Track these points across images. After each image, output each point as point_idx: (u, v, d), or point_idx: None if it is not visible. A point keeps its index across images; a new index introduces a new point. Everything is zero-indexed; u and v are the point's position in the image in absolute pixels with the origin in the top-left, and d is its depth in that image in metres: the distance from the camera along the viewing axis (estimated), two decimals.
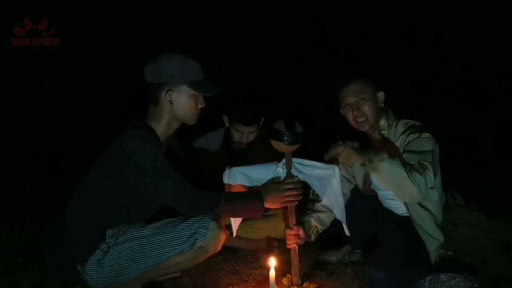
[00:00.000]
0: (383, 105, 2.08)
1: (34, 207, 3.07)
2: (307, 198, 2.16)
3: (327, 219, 2.13)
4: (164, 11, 5.98)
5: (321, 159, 2.10)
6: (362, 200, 2.20)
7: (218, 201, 1.82)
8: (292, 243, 2.01)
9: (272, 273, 1.87)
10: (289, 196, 1.93)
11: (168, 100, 1.86)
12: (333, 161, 2.18)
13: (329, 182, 2.03)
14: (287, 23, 6.06)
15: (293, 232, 2.00)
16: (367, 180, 2.20)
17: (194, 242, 1.75)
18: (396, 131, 2.04)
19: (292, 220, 2.01)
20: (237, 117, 2.54)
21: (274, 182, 1.97)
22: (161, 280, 2.09)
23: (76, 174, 1.98)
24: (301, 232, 2.02)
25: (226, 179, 2.01)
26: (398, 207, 2.13)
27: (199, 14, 6.01)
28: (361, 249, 2.33)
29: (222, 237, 1.83)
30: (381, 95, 2.07)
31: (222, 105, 2.63)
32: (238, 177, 2.00)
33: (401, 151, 1.98)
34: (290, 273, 2.05)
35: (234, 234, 2.11)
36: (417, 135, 1.95)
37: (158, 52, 1.90)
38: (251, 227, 2.48)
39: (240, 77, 5.25)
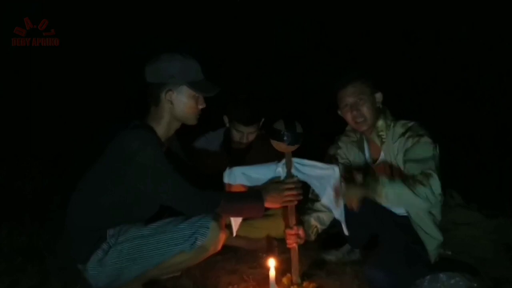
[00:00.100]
0: (381, 106, 2.09)
1: (34, 207, 3.07)
2: (306, 198, 2.15)
3: (326, 218, 2.14)
4: (164, 11, 5.98)
5: (321, 159, 2.11)
6: (361, 200, 2.19)
7: (218, 201, 1.82)
8: (292, 243, 2.02)
9: (272, 273, 1.88)
10: (289, 196, 1.94)
11: (168, 100, 1.86)
12: (332, 161, 2.19)
13: (329, 182, 2.03)
14: (287, 23, 6.05)
15: (293, 232, 2.00)
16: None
17: (195, 242, 1.75)
18: (394, 132, 2.05)
19: (292, 219, 2.01)
20: (237, 117, 2.54)
21: (274, 182, 1.97)
22: (162, 280, 2.09)
23: (76, 174, 1.98)
24: (301, 232, 2.02)
25: (226, 179, 2.01)
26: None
27: (199, 14, 6.00)
28: (360, 248, 2.34)
29: (222, 236, 1.83)
30: (379, 96, 2.08)
31: (222, 105, 2.63)
32: (238, 177, 2.00)
33: (401, 155, 1.99)
34: (290, 273, 2.05)
35: (234, 233, 2.11)
36: (416, 139, 1.96)
37: (158, 52, 1.90)
38: (251, 226, 2.48)
39: (240, 77, 5.25)
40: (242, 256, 2.41)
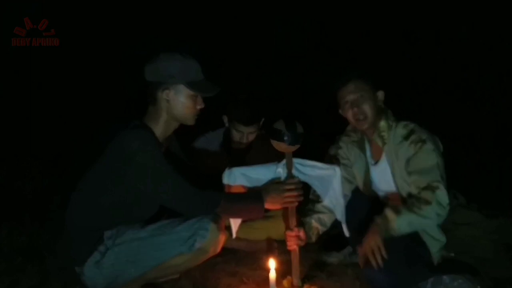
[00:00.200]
0: (382, 105, 2.09)
1: (34, 207, 3.07)
2: (307, 198, 2.15)
3: (327, 220, 2.13)
4: (164, 11, 5.97)
5: (321, 159, 2.10)
6: (363, 200, 2.19)
7: (218, 201, 1.82)
8: (292, 245, 2.01)
9: (272, 275, 1.87)
10: (289, 196, 1.93)
11: (165, 98, 1.84)
12: (333, 161, 2.19)
13: (330, 183, 2.02)
14: (287, 23, 6.05)
15: (293, 233, 2.00)
16: (367, 180, 2.20)
17: (194, 244, 1.75)
18: (396, 133, 2.04)
19: (293, 221, 2.01)
20: (237, 117, 2.54)
21: (274, 183, 1.97)
22: (160, 282, 2.09)
23: (76, 174, 1.98)
24: (301, 233, 2.01)
25: (226, 180, 2.01)
26: None
27: (199, 14, 6.00)
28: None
29: (222, 238, 1.83)
30: (380, 94, 2.07)
31: (222, 105, 2.63)
32: (238, 178, 2.00)
33: (403, 161, 2.00)
34: (291, 275, 2.04)
35: (234, 235, 2.10)
36: (418, 146, 1.96)
37: (158, 52, 1.90)
38: (251, 228, 2.48)
39: (240, 77, 5.25)
40: (242, 258, 2.40)
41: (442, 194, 1.89)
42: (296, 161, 1.98)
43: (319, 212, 2.12)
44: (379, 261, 1.78)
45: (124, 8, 5.69)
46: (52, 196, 3.15)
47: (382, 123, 2.06)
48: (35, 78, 5.06)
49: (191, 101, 1.87)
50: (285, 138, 1.91)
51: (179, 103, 1.86)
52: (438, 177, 1.93)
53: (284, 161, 1.98)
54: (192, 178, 1.85)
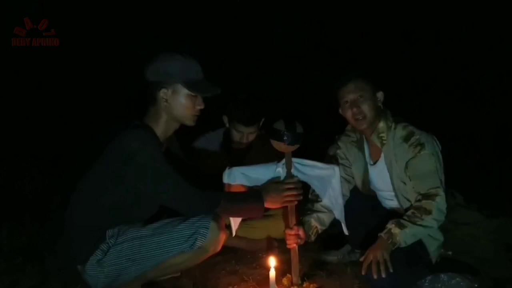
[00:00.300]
0: (381, 106, 2.09)
1: (34, 207, 3.07)
2: (306, 198, 2.15)
3: (327, 219, 2.13)
4: (164, 11, 5.98)
5: (321, 159, 2.11)
6: (361, 200, 2.20)
7: (218, 201, 1.82)
8: (292, 243, 2.01)
9: (272, 273, 1.88)
10: (289, 196, 1.93)
11: (163, 98, 1.84)
12: (332, 161, 2.19)
13: (329, 182, 2.03)
14: (287, 23, 6.05)
15: (293, 232, 2.00)
16: (366, 180, 2.20)
17: (194, 242, 1.75)
18: (395, 135, 2.05)
19: (292, 220, 2.01)
20: (237, 118, 2.54)
21: (274, 182, 1.97)
22: (161, 280, 2.09)
23: (76, 174, 1.97)
24: (301, 232, 2.02)
25: (226, 179, 2.01)
26: (397, 207, 2.13)
27: (199, 14, 6.00)
28: (361, 248, 2.33)
29: (222, 237, 1.83)
30: (380, 95, 2.07)
31: (222, 105, 2.63)
32: (238, 177, 2.00)
33: (402, 163, 2.02)
34: (290, 273, 2.05)
35: (234, 233, 2.10)
36: (417, 149, 1.97)
37: (158, 52, 1.90)
38: (251, 227, 2.48)
39: (240, 77, 5.25)
40: (242, 257, 2.40)
41: (441, 200, 1.94)
42: (296, 160, 1.98)
43: (318, 211, 2.12)
44: (383, 273, 1.80)
45: (124, 8, 5.70)
46: (52, 196, 3.15)
47: (381, 124, 2.06)
48: (35, 78, 5.06)
49: (190, 101, 1.86)
50: (285, 138, 1.90)
51: (178, 103, 1.85)
52: (437, 182, 1.96)
53: (283, 161, 1.98)
54: (192, 178, 1.85)
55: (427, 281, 1.91)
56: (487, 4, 5.29)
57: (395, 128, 2.06)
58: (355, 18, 5.91)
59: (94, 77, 5.20)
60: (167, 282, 2.11)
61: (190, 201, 1.81)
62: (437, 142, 2.04)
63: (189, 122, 1.90)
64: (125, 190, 1.80)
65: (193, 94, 1.85)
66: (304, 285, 2.02)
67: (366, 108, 2.02)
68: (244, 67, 5.59)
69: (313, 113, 4.42)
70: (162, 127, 1.88)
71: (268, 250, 2.42)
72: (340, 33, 5.84)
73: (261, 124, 2.63)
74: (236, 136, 2.59)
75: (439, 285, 1.88)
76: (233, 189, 2.01)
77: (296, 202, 1.98)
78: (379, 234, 1.91)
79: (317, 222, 2.10)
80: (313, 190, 2.13)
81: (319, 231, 2.13)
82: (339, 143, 2.25)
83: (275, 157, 2.02)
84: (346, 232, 2.11)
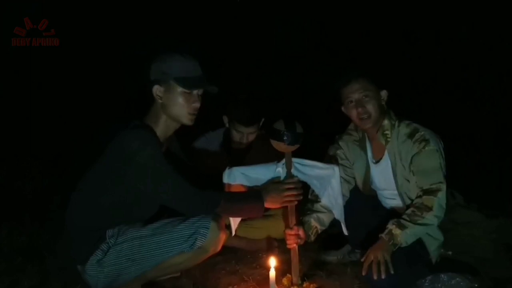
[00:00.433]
0: (384, 103, 2.09)
1: (34, 207, 3.07)
2: (306, 198, 2.15)
3: (326, 219, 2.13)
4: (164, 11, 5.98)
5: (321, 159, 2.10)
6: (362, 199, 2.20)
7: (218, 201, 1.82)
8: (292, 243, 2.01)
9: (272, 273, 1.88)
10: (289, 196, 1.93)
11: (158, 95, 1.83)
12: (332, 161, 2.19)
13: (329, 182, 2.03)
14: (287, 23, 6.06)
15: (293, 232, 2.00)
16: (367, 179, 2.20)
17: (194, 242, 1.75)
18: (399, 132, 2.05)
19: (292, 220, 2.01)
20: (237, 118, 2.54)
21: (274, 182, 1.97)
22: (161, 280, 2.09)
23: (76, 174, 1.97)
24: (301, 232, 2.02)
25: (226, 179, 2.01)
26: (398, 207, 2.13)
27: (199, 14, 6.01)
28: (361, 248, 2.33)
29: (222, 237, 1.83)
30: (384, 94, 2.08)
31: (222, 105, 2.63)
32: (238, 177, 2.00)
33: (407, 158, 2.02)
34: (290, 273, 2.05)
35: (233, 233, 2.11)
36: (422, 145, 1.98)
37: (158, 52, 1.90)
38: (251, 227, 2.48)
39: (240, 77, 5.25)
40: (242, 257, 2.40)
41: (443, 196, 1.94)
42: (296, 160, 1.98)
43: (318, 211, 2.12)
44: (383, 274, 1.80)
45: (124, 8, 5.70)
46: (52, 196, 3.15)
47: (386, 122, 2.07)
48: (35, 78, 5.06)
49: (183, 98, 1.84)
50: (285, 138, 1.90)
51: (172, 100, 1.84)
52: (441, 177, 1.96)
53: (283, 161, 1.98)
54: (192, 178, 1.85)
55: (427, 281, 1.91)
56: (487, 4, 5.29)
57: (398, 126, 2.07)
58: (355, 18, 5.91)
59: (94, 77, 5.20)
60: (167, 282, 2.11)
61: (190, 201, 1.81)
62: (441, 140, 2.05)
63: (186, 120, 1.88)
64: (125, 190, 1.80)
65: (186, 90, 1.83)
66: (304, 285, 2.02)
67: (371, 107, 2.02)
68: (244, 67, 5.59)
69: (313, 113, 4.42)
70: (161, 127, 1.88)
71: (268, 250, 2.42)
72: (340, 33, 5.84)
73: (261, 124, 2.63)
74: (236, 136, 2.59)
75: (439, 285, 1.89)
76: (233, 189, 2.01)
77: (296, 202, 1.98)
78: (380, 235, 1.91)
79: (317, 222, 2.10)
80: (313, 190, 2.13)
81: (319, 231, 2.13)
82: (340, 143, 2.25)
83: (275, 157, 2.02)
84: (345, 232, 2.11)
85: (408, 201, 2.05)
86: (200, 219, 1.78)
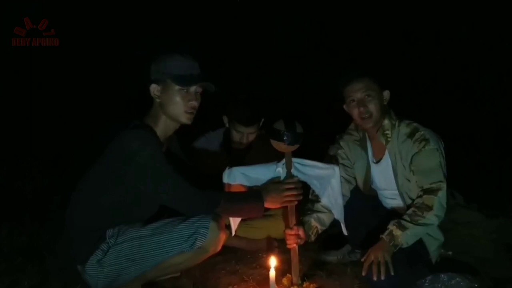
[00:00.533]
0: (386, 104, 2.09)
1: (34, 207, 3.07)
2: (307, 198, 2.15)
3: (327, 219, 2.13)
4: (164, 11, 5.98)
5: (321, 159, 2.10)
6: (362, 199, 2.20)
7: (218, 201, 1.82)
8: (292, 243, 2.01)
9: (272, 273, 1.88)
10: (289, 196, 1.93)
11: (155, 94, 1.85)
12: (333, 161, 2.19)
13: (329, 182, 2.03)
14: (287, 23, 6.06)
15: (293, 232, 2.00)
16: (367, 179, 2.20)
17: (194, 242, 1.75)
18: (399, 132, 2.06)
19: (292, 220, 2.01)
20: (237, 118, 2.54)
21: (274, 182, 1.97)
22: (161, 280, 2.09)
23: (76, 174, 1.97)
24: (301, 232, 2.02)
25: (225, 179, 2.01)
26: (398, 207, 2.13)
27: (199, 14, 6.00)
28: (361, 249, 2.33)
29: (222, 237, 1.83)
30: (386, 93, 2.08)
31: (222, 105, 2.63)
32: (238, 177, 2.00)
33: (407, 158, 2.02)
34: (290, 273, 2.05)
35: (233, 233, 2.11)
36: (422, 144, 1.98)
37: (158, 52, 1.91)
38: (251, 227, 2.48)
39: (240, 77, 5.25)
40: (242, 257, 2.40)
41: (443, 195, 1.94)
42: (296, 160, 1.98)
43: (318, 211, 2.12)
44: (383, 275, 1.80)
45: (124, 8, 5.70)
46: (52, 196, 3.15)
47: (386, 122, 2.07)
48: (35, 78, 5.06)
49: (179, 97, 1.84)
50: (285, 138, 1.90)
51: (168, 99, 1.84)
52: (441, 177, 1.96)
53: (283, 161, 1.98)
54: (192, 178, 1.84)
55: (427, 281, 1.91)
56: (487, 4, 5.29)
57: (399, 126, 2.07)
58: (355, 18, 5.91)
59: (94, 77, 5.20)
60: (167, 282, 2.11)
61: (190, 201, 1.80)
62: (441, 140, 2.05)
63: (184, 119, 1.87)
64: (125, 190, 1.80)
65: (182, 88, 1.83)
66: (304, 285, 2.02)
67: (372, 107, 2.03)
68: (244, 67, 5.59)
69: (313, 113, 4.42)
70: (161, 127, 1.88)
71: (268, 250, 2.42)
72: (340, 33, 5.84)
73: (261, 124, 2.63)
74: (236, 136, 2.59)
75: (439, 285, 1.88)
76: (233, 189, 2.01)
77: (296, 202, 1.98)
78: (380, 236, 1.91)
79: (317, 222, 2.10)
80: (313, 191, 2.13)
81: (319, 231, 2.13)
82: (341, 143, 2.25)
83: (275, 157, 2.02)
84: (345, 232, 2.11)
85: (409, 201, 2.05)
86: (200, 219, 1.78)
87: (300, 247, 2.05)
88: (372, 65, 4.65)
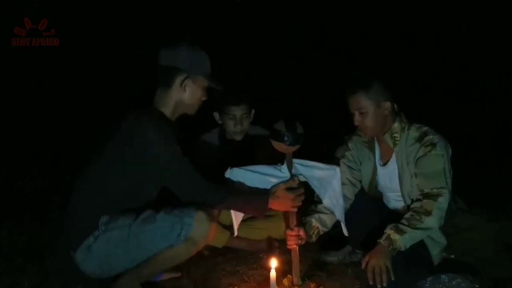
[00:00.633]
0: (392, 112, 2.07)
1: (34, 207, 3.07)
2: (308, 199, 2.15)
3: (328, 221, 2.13)
4: (164, 11, 5.97)
5: (321, 159, 2.10)
6: (366, 201, 2.20)
7: (224, 196, 1.85)
8: (292, 244, 2.01)
9: (273, 274, 1.87)
10: (296, 203, 1.94)
11: (184, 85, 1.89)
12: (335, 162, 2.18)
13: (330, 183, 2.02)
14: (287, 23, 6.05)
15: (293, 233, 2.00)
16: (374, 181, 2.20)
17: (180, 232, 1.75)
18: (408, 136, 2.05)
19: (293, 221, 2.01)
20: (225, 101, 2.54)
21: (282, 188, 1.93)
22: (161, 281, 2.09)
23: (76, 174, 1.97)
24: (301, 233, 2.02)
25: (227, 176, 2.01)
26: (403, 209, 2.12)
27: (199, 14, 6.00)
28: (362, 249, 2.33)
29: (212, 227, 1.81)
30: (386, 105, 2.05)
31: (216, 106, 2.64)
32: (239, 176, 1.99)
33: (413, 163, 2.02)
34: (291, 274, 2.04)
35: (235, 233, 2.10)
36: (428, 149, 1.98)
37: (158, 52, 1.92)
38: (252, 227, 2.48)
39: (240, 77, 5.24)
40: (243, 257, 2.40)
41: (444, 201, 1.92)
42: (296, 161, 1.98)
43: (320, 212, 2.12)
44: (384, 282, 1.81)
45: (124, 8, 5.69)
46: (52, 196, 3.14)
47: (396, 125, 2.07)
48: (35, 78, 5.05)
49: (201, 92, 1.95)
50: (285, 138, 1.90)
51: (192, 92, 1.92)
52: (443, 183, 1.95)
53: (285, 162, 1.97)
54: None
55: (427, 282, 1.91)
56: (487, 4, 5.29)
57: (408, 129, 2.07)
58: (355, 18, 5.91)
59: (94, 77, 5.20)
60: (168, 282, 2.11)
61: (198, 190, 1.82)
62: (449, 147, 2.04)
63: (193, 112, 1.99)
64: (131, 180, 1.82)
65: (207, 86, 1.93)
66: (305, 285, 2.02)
67: (368, 122, 2.04)
68: (244, 67, 5.58)
69: (313, 113, 4.41)
70: (170, 111, 1.93)
71: (269, 251, 2.42)
72: (340, 33, 5.84)
73: (252, 116, 2.62)
74: (230, 125, 2.57)
75: (440, 286, 1.88)
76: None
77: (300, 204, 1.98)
78: (378, 240, 1.90)
79: (318, 223, 2.10)
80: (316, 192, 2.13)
81: (321, 232, 2.12)
82: (349, 144, 2.24)
83: (275, 158, 2.01)
84: (345, 233, 2.10)
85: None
86: (186, 209, 1.78)
87: (301, 247, 2.05)
88: (371, 65, 4.67)
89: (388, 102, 2.05)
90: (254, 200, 1.92)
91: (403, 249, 1.89)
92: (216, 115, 2.64)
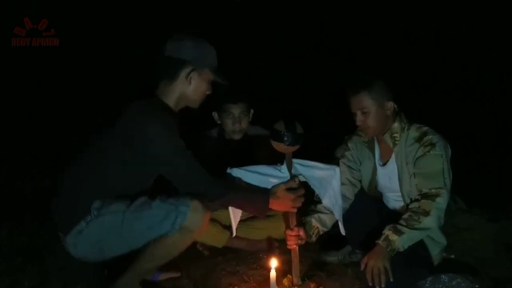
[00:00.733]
0: (392, 111, 2.07)
1: (34, 207, 3.07)
2: (308, 199, 2.15)
3: (328, 221, 2.13)
4: (164, 11, 5.97)
5: (321, 159, 2.10)
6: (366, 201, 2.20)
7: (223, 191, 1.84)
8: (292, 244, 2.01)
9: (273, 274, 1.88)
10: (296, 203, 1.94)
11: (190, 78, 1.87)
12: (335, 162, 2.18)
13: (329, 183, 2.02)
14: (287, 23, 6.05)
15: (293, 233, 2.00)
16: (373, 181, 2.20)
17: (175, 221, 1.73)
18: (408, 136, 2.05)
19: (293, 221, 2.01)
20: (223, 99, 2.54)
21: (282, 189, 1.94)
22: (161, 280, 2.09)
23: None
24: (301, 233, 2.02)
25: (228, 174, 2.01)
26: (403, 209, 2.12)
27: (199, 14, 6.00)
28: (362, 249, 2.33)
29: (205, 215, 1.79)
30: (389, 105, 2.05)
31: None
32: (239, 175, 2.00)
33: (412, 163, 2.02)
34: (291, 274, 2.05)
35: (234, 233, 2.10)
36: (427, 149, 1.98)
37: (158, 52, 1.91)
38: (252, 227, 2.48)
39: (240, 77, 5.24)
40: (243, 257, 2.40)
41: (442, 202, 1.92)
42: (296, 161, 1.98)
43: (320, 212, 2.12)
44: (383, 284, 1.81)
45: (124, 8, 5.69)
46: (52, 196, 3.14)
47: (396, 125, 2.07)
48: (35, 78, 5.05)
49: (206, 86, 1.93)
50: (285, 138, 1.90)
51: (197, 86, 1.90)
52: (442, 183, 1.95)
53: (284, 162, 1.97)
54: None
55: (427, 282, 1.91)
56: (487, 4, 5.29)
57: (408, 129, 2.07)
58: (355, 18, 5.91)
59: (94, 77, 5.20)
60: (167, 282, 2.11)
61: (200, 183, 1.81)
62: (449, 148, 2.04)
63: (197, 105, 1.97)
64: (130, 172, 1.81)
65: (212, 80, 1.91)
66: (305, 285, 2.02)
67: (370, 121, 2.04)
68: (244, 67, 5.58)
69: (313, 113, 4.41)
70: (173, 103, 1.91)
71: (269, 251, 2.42)
72: (340, 33, 5.84)
73: (251, 115, 2.62)
74: (228, 124, 2.56)
75: (440, 286, 1.88)
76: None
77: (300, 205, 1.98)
78: (376, 241, 1.90)
79: (318, 223, 2.10)
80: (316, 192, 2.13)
81: (321, 232, 2.12)
82: (349, 144, 2.24)
83: (275, 158, 2.01)
84: (343, 232, 2.11)
85: None
86: (181, 197, 1.77)
87: (301, 247, 2.06)
88: (371, 65, 4.67)
89: (390, 102, 2.06)
90: (255, 199, 1.91)
91: (401, 249, 1.88)
92: (215, 114, 2.64)
